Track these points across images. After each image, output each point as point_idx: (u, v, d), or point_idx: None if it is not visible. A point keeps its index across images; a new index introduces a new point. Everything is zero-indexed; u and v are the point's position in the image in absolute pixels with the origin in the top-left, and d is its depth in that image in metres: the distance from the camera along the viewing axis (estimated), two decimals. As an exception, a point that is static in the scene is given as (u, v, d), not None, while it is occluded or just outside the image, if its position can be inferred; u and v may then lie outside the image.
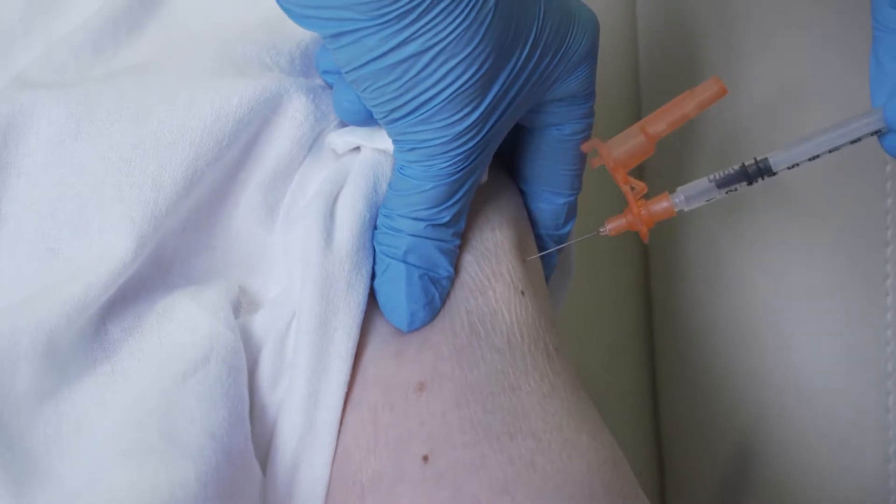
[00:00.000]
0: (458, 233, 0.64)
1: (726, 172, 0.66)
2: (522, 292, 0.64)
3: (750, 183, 0.66)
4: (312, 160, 0.66)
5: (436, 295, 0.63)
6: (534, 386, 0.61)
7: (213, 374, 0.59)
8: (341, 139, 0.66)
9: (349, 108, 0.63)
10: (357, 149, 0.66)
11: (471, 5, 0.57)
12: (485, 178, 0.65)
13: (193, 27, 0.71)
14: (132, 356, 0.61)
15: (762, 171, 0.66)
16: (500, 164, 0.70)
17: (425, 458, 0.59)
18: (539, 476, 0.58)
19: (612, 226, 0.67)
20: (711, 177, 0.66)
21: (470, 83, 0.59)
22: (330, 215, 0.63)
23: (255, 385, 0.62)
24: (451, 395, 0.60)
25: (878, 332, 0.88)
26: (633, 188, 0.66)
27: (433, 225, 0.62)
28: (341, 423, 0.61)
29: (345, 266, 0.62)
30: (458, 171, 0.61)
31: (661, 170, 0.97)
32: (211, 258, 0.65)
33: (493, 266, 0.65)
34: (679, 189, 0.66)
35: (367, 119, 0.63)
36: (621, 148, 0.66)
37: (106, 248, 0.61)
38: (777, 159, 0.65)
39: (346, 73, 0.60)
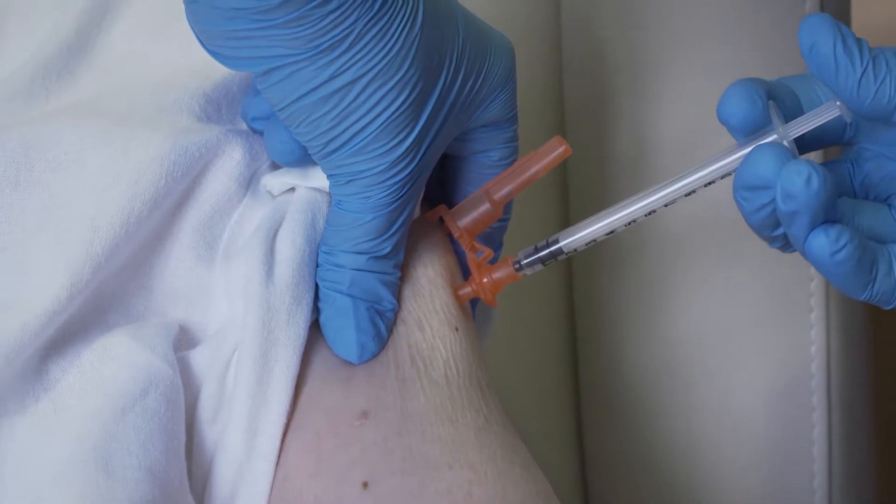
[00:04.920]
0: (398, 264, 0.65)
1: (528, 252, 0.67)
2: (456, 328, 0.65)
3: (544, 264, 0.67)
4: (251, 199, 0.67)
5: (382, 327, 0.64)
6: (469, 419, 0.62)
7: (151, 407, 0.60)
8: (276, 180, 0.67)
9: (282, 150, 0.64)
10: (292, 189, 0.67)
11: (399, 30, 0.59)
12: (418, 212, 0.66)
13: (124, 73, 0.72)
14: (73, 395, 0.61)
15: (554, 254, 0.66)
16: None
17: (365, 485, 0.59)
18: None
19: (461, 293, 0.67)
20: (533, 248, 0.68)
21: (402, 108, 0.60)
22: (270, 251, 0.63)
23: (196, 417, 0.62)
24: (392, 424, 0.61)
25: (803, 365, 0.90)
26: (480, 254, 0.67)
27: (375, 257, 0.63)
28: (283, 450, 0.61)
29: (286, 298, 0.62)
30: (396, 200, 0.62)
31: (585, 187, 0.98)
32: (149, 298, 0.65)
33: (427, 302, 0.66)
34: (520, 253, 0.67)
35: (300, 159, 0.64)
36: (467, 217, 0.68)
37: (42, 289, 0.61)
38: (567, 241, 0.66)
39: (280, 109, 0.61)
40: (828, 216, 0.59)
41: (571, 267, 1.00)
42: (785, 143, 0.62)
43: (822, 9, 0.90)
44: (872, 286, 0.61)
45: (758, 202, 0.61)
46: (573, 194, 1.00)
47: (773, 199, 0.60)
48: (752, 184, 0.60)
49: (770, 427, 0.92)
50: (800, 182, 0.58)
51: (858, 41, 0.60)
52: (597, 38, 0.95)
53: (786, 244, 0.63)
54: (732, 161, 0.63)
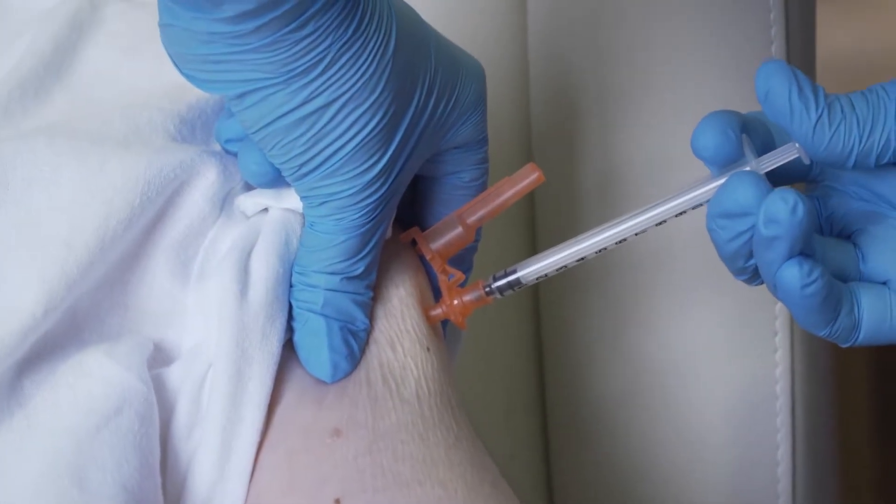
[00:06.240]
0: (370, 285, 0.65)
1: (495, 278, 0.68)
2: (427, 348, 0.66)
3: (502, 293, 0.68)
4: (225, 220, 0.67)
5: (355, 346, 0.65)
6: (440, 437, 0.63)
7: (125, 425, 0.60)
8: (250, 200, 0.67)
9: (257, 171, 0.65)
10: (266, 209, 0.68)
11: (372, 55, 0.60)
12: (389, 232, 0.67)
13: (99, 94, 0.72)
14: (47, 411, 0.61)
15: (512, 284, 0.68)
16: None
17: (337, 502, 0.60)
18: None
19: (432, 314, 0.68)
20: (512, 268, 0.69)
21: (375, 131, 0.61)
22: (244, 270, 0.64)
23: (170, 434, 0.63)
24: (364, 442, 0.62)
25: (768, 386, 0.91)
26: (451, 276, 0.68)
27: (348, 278, 0.64)
28: (256, 467, 0.62)
29: (259, 318, 0.63)
30: (369, 222, 0.63)
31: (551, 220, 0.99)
32: (124, 316, 0.66)
33: (399, 322, 0.67)
34: (491, 277, 0.68)
35: (274, 180, 0.65)
36: (440, 240, 0.69)
37: (16, 306, 0.61)
38: (525, 272, 0.67)
39: (254, 132, 0.61)
40: (805, 247, 0.60)
41: (539, 289, 1.01)
42: None
43: (788, 39, 0.91)
44: (833, 324, 0.62)
45: (734, 230, 0.61)
46: (540, 220, 1.00)
47: (750, 228, 0.61)
48: (730, 210, 0.61)
49: (735, 448, 0.93)
50: (785, 209, 0.59)
51: (814, 87, 0.61)
52: (565, 66, 0.96)
53: (753, 276, 0.64)
54: (705, 192, 0.64)
